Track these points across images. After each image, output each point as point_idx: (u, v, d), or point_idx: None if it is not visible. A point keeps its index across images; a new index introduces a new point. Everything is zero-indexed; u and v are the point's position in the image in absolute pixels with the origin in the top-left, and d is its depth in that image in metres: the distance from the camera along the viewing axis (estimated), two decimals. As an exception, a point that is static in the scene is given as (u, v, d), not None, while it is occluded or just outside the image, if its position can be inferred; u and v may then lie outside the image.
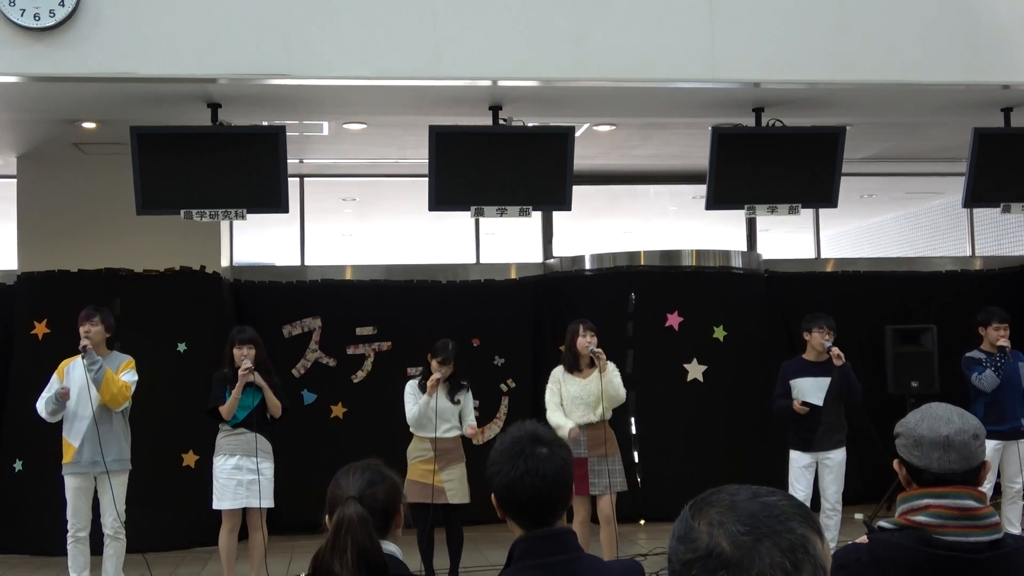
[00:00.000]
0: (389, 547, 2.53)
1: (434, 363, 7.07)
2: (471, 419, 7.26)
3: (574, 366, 7.14)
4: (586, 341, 7.03)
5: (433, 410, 7.00)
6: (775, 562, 1.35)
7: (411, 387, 7.21)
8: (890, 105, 7.33)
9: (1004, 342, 7.65)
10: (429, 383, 7.00)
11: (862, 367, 8.32)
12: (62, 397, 6.71)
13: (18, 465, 8.69)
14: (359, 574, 2.36)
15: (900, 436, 2.54)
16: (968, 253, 11.41)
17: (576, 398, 7.05)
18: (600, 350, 6.99)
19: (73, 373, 6.84)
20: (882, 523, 2.49)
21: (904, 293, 10.35)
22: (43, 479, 8.18)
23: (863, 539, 2.49)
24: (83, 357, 6.70)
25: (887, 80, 6.64)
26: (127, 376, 6.86)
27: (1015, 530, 7.39)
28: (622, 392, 7.12)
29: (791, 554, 1.35)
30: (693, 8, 6.42)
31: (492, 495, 2.46)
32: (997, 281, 10.69)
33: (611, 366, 7.08)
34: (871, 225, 13.91)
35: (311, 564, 2.45)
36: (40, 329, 8.75)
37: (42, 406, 6.82)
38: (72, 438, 6.79)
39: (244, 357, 6.85)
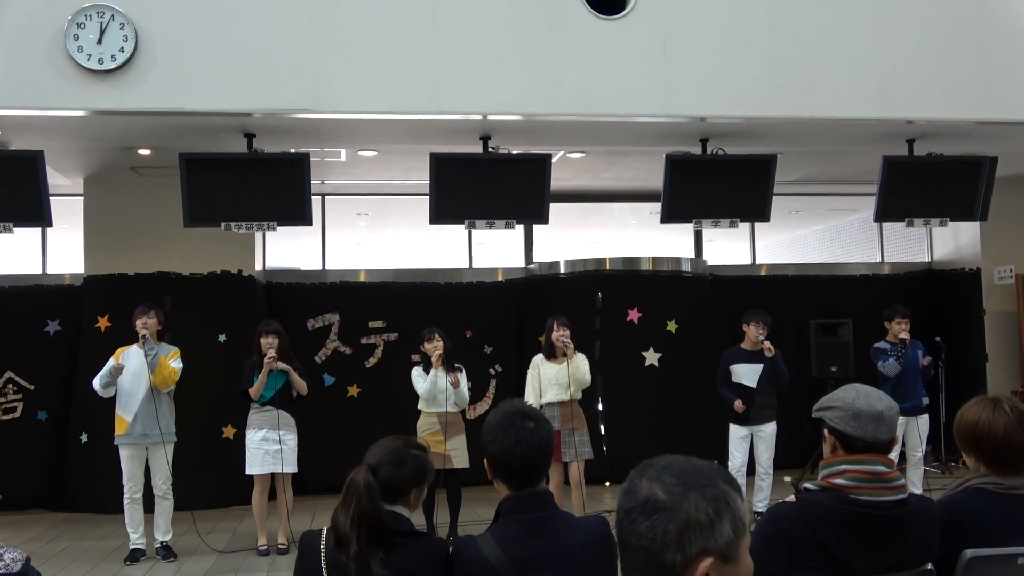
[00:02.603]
0: (398, 508, 2.49)
1: (427, 346, 7.10)
2: (465, 392, 7.25)
3: (550, 354, 7.18)
4: (559, 334, 7.07)
5: (442, 388, 7.01)
6: (700, 508, 1.38)
7: (417, 371, 7.22)
8: (814, 136, 7.34)
9: (904, 335, 7.69)
10: (434, 359, 7.01)
11: (791, 354, 8.34)
12: (115, 372, 6.67)
13: (84, 437, 8.64)
14: (359, 531, 2.34)
15: (836, 409, 2.49)
16: (879, 260, 11.44)
17: (551, 380, 7.08)
18: (569, 341, 7.02)
19: (127, 360, 6.80)
20: (807, 485, 2.47)
21: (825, 293, 10.40)
22: (104, 449, 8.12)
23: (791, 498, 2.48)
24: (143, 345, 6.68)
25: (812, 116, 6.66)
26: (174, 363, 6.83)
27: (917, 491, 7.42)
28: (587, 377, 7.14)
29: (714, 503, 1.39)
30: (650, 55, 6.42)
31: (485, 460, 2.45)
32: (902, 283, 10.75)
33: (580, 356, 7.11)
34: (797, 236, 13.94)
35: (332, 518, 2.44)
36: (103, 323, 8.70)
37: (97, 382, 6.77)
38: (126, 414, 6.74)
39: (269, 347, 6.86)
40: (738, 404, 7.33)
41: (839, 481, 2.40)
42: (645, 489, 1.42)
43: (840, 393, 2.53)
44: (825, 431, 2.53)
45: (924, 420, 7.74)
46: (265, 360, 6.79)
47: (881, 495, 2.37)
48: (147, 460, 6.82)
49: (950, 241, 10.78)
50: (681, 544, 1.36)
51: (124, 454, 6.77)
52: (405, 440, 2.56)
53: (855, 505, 2.36)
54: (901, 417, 7.24)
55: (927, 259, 11.11)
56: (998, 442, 2.57)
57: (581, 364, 7.09)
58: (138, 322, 6.75)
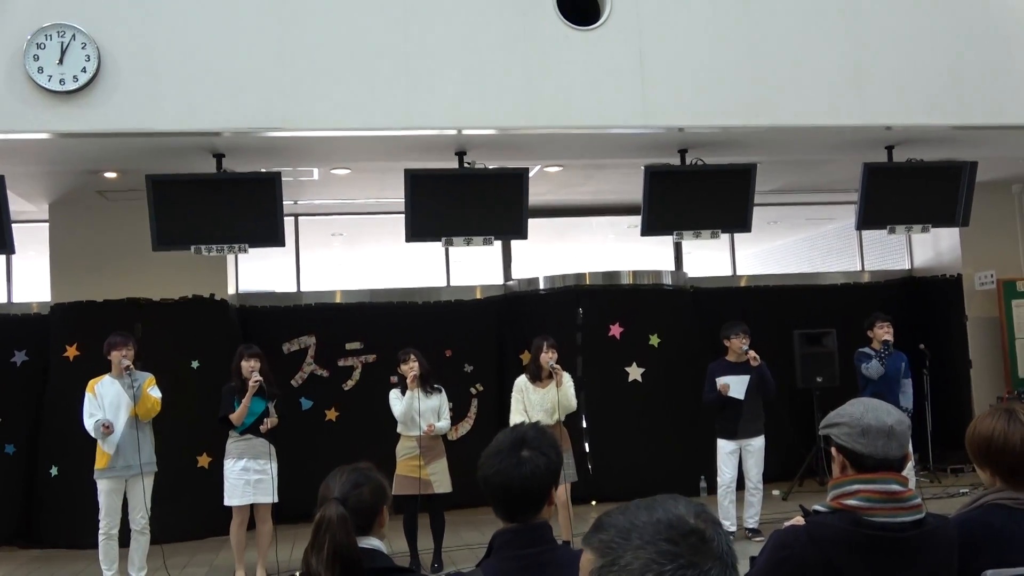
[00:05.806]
0: (373, 542, 2.38)
1: (402, 367, 6.97)
2: (446, 417, 7.09)
3: (536, 376, 6.99)
4: (548, 356, 6.90)
5: (416, 410, 6.85)
6: None
7: (394, 393, 7.07)
8: (793, 145, 7.29)
9: (887, 336, 7.63)
10: (408, 381, 6.86)
11: (773, 366, 8.25)
12: (105, 432, 6.46)
13: (54, 470, 8.39)
14: (333, 570, 2.21)
15: (843, 426, 2.35)
16: (858, 268, 11.41)
17: (536, 405, 6.90)
18: (559, 367, 6.85)
19: (103, 390, 6.60)
20: (817, 507, 2.32)
21: (806, 303, 10.32)
22: (75, 482, 7.91)
23: (799, 520, 2.34)
24: (126, 375, 6.49)
25: (790, 124, 6.62)
26: (153, 392, 6.66)
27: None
28: (574, 402, 7.00)
29: None
30: (626, 65, 6.35)
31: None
32: (882, 291, 10.71)
33: (567, 378, 6.95)
34: (776, 247, 13.91)
35: (303, 562, 2.30)
36: (71, 352, 8.48)
37: (90, 427, 6.54)
38: (107, 447, 6.53)
39: (252, 370, 6.69)
40: (722, 385, 7.22)
41: (851, 502, 2.25)
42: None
43: (847, 408, 2.38)
44: (833, 449, 2.38)
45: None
46: (250, 383, 6.61)
47: (897, 516, 2.24)
48: (125, 493, 6.60)
49: (930, 248, 10.76)
50: None
51: (103, 488, 6.55)
52: (352, 465, 2.49)
53: (869, 527, 2.22)
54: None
55: (907, 266, 11.08)
56: (1015, 455, 2.44)
57: (568, 389, 6.93)
58: (116, 354, 6.57)
